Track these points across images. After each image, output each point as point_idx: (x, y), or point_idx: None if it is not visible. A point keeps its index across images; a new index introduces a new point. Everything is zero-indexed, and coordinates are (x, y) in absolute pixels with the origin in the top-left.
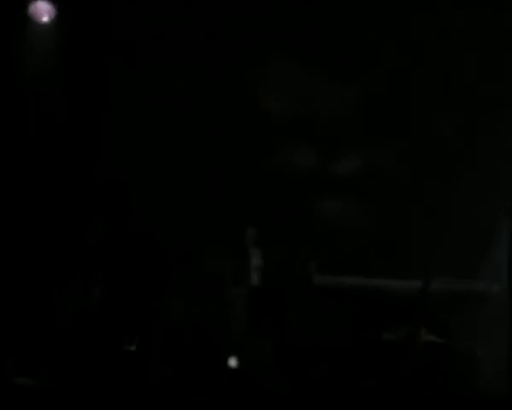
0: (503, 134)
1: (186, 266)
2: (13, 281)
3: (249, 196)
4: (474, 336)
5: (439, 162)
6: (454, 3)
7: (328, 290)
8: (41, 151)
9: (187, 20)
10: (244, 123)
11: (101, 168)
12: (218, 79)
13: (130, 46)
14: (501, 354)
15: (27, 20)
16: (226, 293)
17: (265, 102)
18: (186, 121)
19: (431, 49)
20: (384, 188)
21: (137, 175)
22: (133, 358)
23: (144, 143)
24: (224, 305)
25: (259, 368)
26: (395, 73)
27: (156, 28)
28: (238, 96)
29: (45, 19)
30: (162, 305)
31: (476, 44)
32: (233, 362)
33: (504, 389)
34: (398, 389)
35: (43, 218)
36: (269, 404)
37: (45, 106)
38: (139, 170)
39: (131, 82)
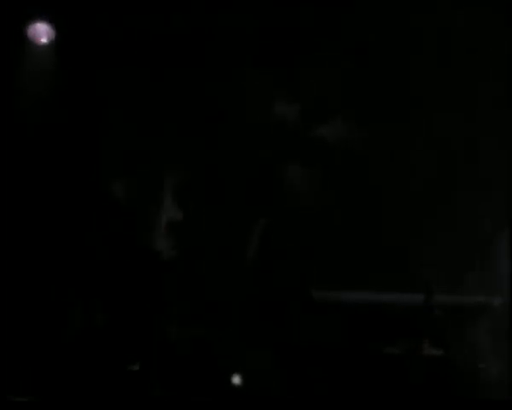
0: (505, 142)
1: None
2: (12, 296)
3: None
4: (476, 349)
5: (440, 174)
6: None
7: (328, 305)
8: (40, 171)
9: (186, 29)
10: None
11: (99, 187)
12: None
13: (130, 67)
14: (502, 367)
15: (26, 42)
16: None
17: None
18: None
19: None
20: (384, 201)
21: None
22: (135, 378)
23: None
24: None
25: (261, 383)
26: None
27: (156, 48)
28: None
29: (44, 40)
30: (162, 324)
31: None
32: (236, 379)
33: (506, 401)
34: (401, 402)
35: (42, 239)
36: None
37: (45, 127)
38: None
39: (131, 102)
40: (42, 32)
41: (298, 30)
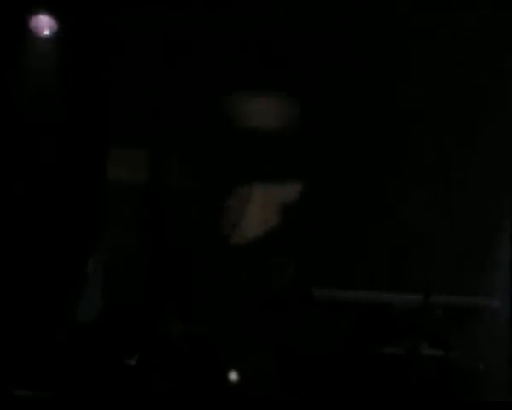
0: (505, 141)
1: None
2: (11, 290)
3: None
4: (476, 350)
5: (439, 176)
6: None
7: (327, 304)
8: (41, 166)
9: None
10: None
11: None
12: None
13: (134, 60)
14: (502, 368)
15: (28, 34)
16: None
17: None
18: None
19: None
20: (384, 199)
21: None
22: (133, 372)
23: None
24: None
25: (260, 382)
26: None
27: (159, 42)
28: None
29: (46, 32)
30: (162, 318)
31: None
32: (234, 376)
33: (506, 403)
34: (400, 402)
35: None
36: None
37: (46, 120)
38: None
39: (135, 96)
40: (44, 24)
41: None
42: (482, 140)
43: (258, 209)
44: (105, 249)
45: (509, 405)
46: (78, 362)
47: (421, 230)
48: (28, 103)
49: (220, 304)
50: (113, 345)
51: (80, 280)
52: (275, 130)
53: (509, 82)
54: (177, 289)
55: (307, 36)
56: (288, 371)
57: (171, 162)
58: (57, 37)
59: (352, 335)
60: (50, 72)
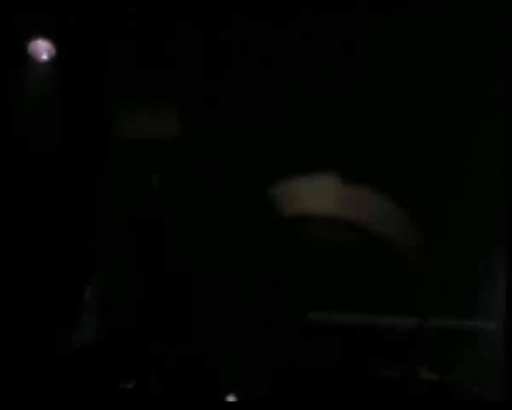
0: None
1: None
2: (10, 315)
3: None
4: (471, 373)
5: (435, 197)
6: None
7: (324, 327)
8: (39, 192)
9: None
10: None
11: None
12: None
13: (131, 84)
14: (497, 391)
15: (26, 59)
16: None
17: None
18: None
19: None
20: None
21: None
22: (129, 397)
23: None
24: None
25: (256, 405)
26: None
27: (157, 66)
28: None
29: (44, 57)
30: (158, 344)
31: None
32: (231, 399)
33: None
34: None
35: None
36: None
37: (45, 145)
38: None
39: (132, 120)
40: (43, 49)
41: None
42: (478, 163)
43: None
44: (102, 276)
45: (509, 405)
46: (75, 387)
47: (418, 253)
48: (26, 129)
49: (216, 329)
50: (109, 370)
51: (78, 306)
52: None
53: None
54: (173, 314)
55: None
56: (283, 394)
57: (168, 190)
58: (55, 61)
59: (350, 358)
60: (48, 96)
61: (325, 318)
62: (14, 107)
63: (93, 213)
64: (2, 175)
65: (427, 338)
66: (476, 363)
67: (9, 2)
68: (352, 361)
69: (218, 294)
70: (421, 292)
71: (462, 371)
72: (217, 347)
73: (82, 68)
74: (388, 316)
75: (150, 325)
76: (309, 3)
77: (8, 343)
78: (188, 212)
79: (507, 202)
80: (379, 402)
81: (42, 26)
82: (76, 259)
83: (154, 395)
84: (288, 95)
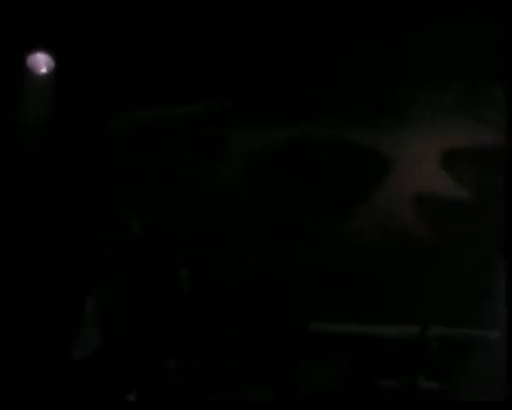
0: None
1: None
2: (10, 328)
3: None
4: (471, 382)
5: (435, 208)
6: None
7: (324, 338)
8: (39, 209)
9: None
10: None
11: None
12: None
13: (131, 98)
14: (498, 400)
15: (26, 72)
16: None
17: None
18: None
19: None
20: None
21: None
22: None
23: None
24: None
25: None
26: None
27: (158, 80)
28: None
29: (43, 70)
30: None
31: None
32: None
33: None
34: None
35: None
36: None
37: (44, 158)
38: None
39: (132, 134)
40: (42, 63)
41: None
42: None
43: None
44: (102, 288)
45: (509, 405)
46: (76, 400)
47: (419, 263)
48: (24, 142)
49: (217, 342)
50: (109, 381)
51: (78, 318)
52: None
53: None
54: (174, 327)
55: None
56: (285, 404)
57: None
58: (54, 75)
59: (350, 368)
60: (47, 109)
61: (325, 328)
62: (14, 119)
63: (93, 226)
64: (2, 189)
65: (427, 347)
66: (477, 372)
67: (9, 16)
68: (353, 370)
69: (218, 304)
70: (421, 302)
71: (463, 380)
72: (217, 359)
73: (80, 82)
74: (389, 326)
75: (150, 337)
76: None
77: (9, 355)
78: (188, 221)
79: (507, 212)
80: None
81: (41, 40)
82: (76, 271)
83: (154, 406)
84: None
